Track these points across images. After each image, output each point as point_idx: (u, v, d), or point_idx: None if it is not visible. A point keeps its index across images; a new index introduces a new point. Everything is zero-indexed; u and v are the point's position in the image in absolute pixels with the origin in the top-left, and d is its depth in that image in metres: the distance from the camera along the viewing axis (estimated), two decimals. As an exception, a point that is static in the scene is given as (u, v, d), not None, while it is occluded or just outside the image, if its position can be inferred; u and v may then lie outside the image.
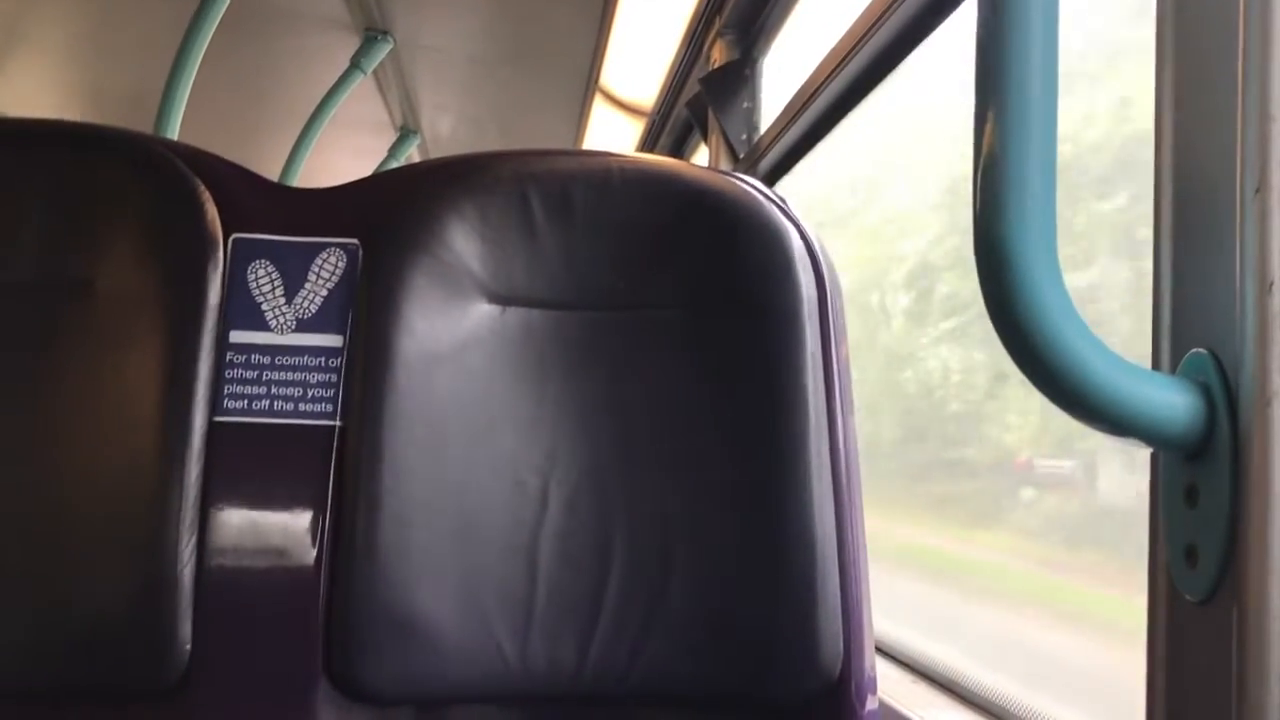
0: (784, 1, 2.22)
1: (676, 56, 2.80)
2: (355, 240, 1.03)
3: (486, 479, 0.99)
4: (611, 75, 3.20)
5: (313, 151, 3.61)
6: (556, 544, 0.98)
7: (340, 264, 1.02)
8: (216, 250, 1.00)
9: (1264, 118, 0.62)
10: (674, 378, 1.02)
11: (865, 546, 1.02)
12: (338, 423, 0.99)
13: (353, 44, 3.19)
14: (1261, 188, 0.62)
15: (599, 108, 3.48)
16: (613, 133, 3.58)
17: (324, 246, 1.03)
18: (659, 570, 0.98)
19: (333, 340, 1.01)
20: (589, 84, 3.35)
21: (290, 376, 1.00)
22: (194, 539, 0.95)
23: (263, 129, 3.94)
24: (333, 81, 3.32)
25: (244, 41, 3.00)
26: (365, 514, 0.95)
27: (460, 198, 1.03)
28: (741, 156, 2.37)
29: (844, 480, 1.00)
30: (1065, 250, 0.65)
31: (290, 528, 0.97)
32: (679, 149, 3.25)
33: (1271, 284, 0.62)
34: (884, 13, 1.54)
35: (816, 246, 1.04)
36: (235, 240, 1.02)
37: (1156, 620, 0.71)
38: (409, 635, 0.95)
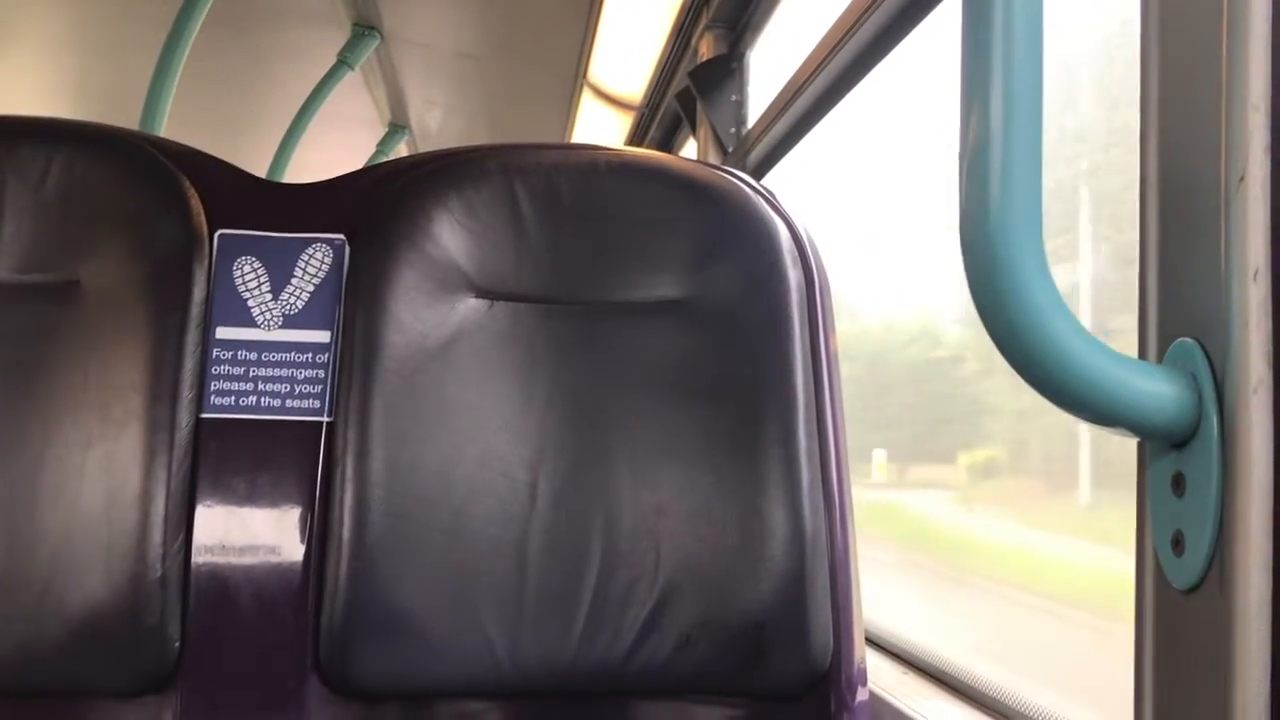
0: (771, -6, 2.22)
1: (664, 50, 2.79)
2: (341, 235, 1.02)
3: (475, 474, 0.99)
4: (600, 69, 3.19)
5: (301, 148, 3.60)
6: (545, 538, 0.98)
7: (327, 259, 1.02)
8: (201, 246, 1.00)
9: (1247, 106, 0.62)
10: (661, 370, 1.02)
11: (855, 538, 1.02)
12: (325, 418, 0.99)
13: (340, 39, 3.17)
14: (1245, 176, 0.62)
15: (588, 102, 3.47)
16: (602, 127, 3.57)
17: (310, 242, 1.02)
18: (648, 563, 0.98)
19: (320, 336, 1.00)
20: (577, 78, 3.34)
21: (277, 373, 0.99)
22: (181, 536, 0.95)
23: (250, 125, 3.92)
24: (320, 77, 3.30)
25: (230, 37, 2.99)
26: (353, 510, 0.95)
27: (446, 191, 1.02)
28: (730, 150, 2.36)
29: (833, 472, 1.00)
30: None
31: (278, 524, 0.97)
32: (668, 142, 3.25)
33: (1256, 272, 0.62)
34: (870, 6, 1.54)
35: (805, 239, 1.04)
36: (221, 236, 1.01)
37: (1144, 609, 0.71)
38: (397, 630, 0.95)
